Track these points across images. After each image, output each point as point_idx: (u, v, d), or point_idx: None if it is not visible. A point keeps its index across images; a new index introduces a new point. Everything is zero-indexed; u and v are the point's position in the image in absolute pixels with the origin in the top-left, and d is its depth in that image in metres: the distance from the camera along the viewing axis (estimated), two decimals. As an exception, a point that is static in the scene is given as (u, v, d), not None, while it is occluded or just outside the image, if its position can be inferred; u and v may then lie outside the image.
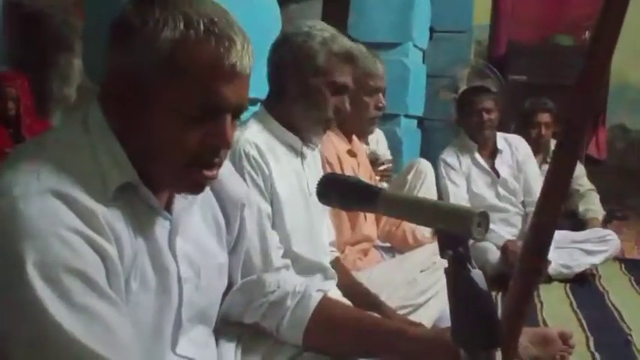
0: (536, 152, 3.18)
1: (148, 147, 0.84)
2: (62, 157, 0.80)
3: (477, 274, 0.67)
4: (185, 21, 0.80)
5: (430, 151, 4.24)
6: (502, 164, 3.08)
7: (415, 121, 4.00)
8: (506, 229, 2.83)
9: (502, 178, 3.06)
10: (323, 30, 1.52)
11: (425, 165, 2.82)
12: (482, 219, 0.68)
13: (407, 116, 3.78)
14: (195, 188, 0.88)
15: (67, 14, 4.31)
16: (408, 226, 2.30)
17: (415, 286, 1.81)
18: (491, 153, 3.09)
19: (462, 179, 3.02)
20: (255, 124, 1.52)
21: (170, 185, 0.89)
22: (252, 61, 0.85)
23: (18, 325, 0.72)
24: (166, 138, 0.82)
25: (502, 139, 3.11)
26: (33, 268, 0.71)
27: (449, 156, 3.06)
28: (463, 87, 4.75)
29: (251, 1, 1.70)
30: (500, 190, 3.06)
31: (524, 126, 3.27)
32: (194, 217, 0.97)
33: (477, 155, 3.06)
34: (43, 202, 0.74)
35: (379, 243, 2.30)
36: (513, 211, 3.03)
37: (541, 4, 5.50)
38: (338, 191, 0.75)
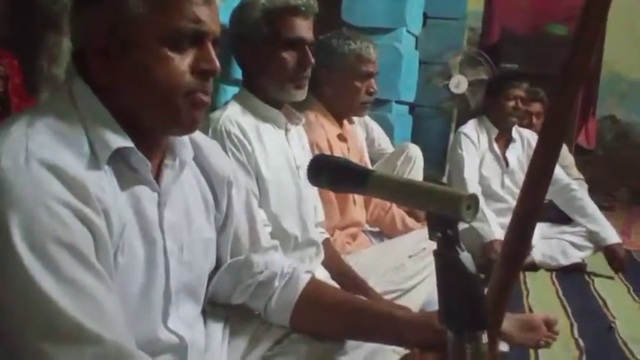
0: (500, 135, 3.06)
1: (142, 91, 0.85)
2: (51, 127, 0.81)
3: (466, 257, 0.67)
4: None
5: (421, 138, 4.24)
6: (512, 155, 3.08)
7: (407, 107, 4.00)
8: (500, 220, 2.83)
9: (510, 169, 3.06)
10: None
11: (414, 150, 2.82)
12: (471, 202, 0.68)
13: (398, 102, 3.77)
14: (193, 118, 0.89)
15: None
16: (397, 212, 2.31)
17: (403, 271, 1.82)
18: (506, 142, 3.08)
19: (476, 156, 3.00)
20: (236, 104, 1.52)
21: (168, 123, 0.89)
22: None
23: (4, 292, 0.73)
24: (158, 73, 0.84)
25: (515, 130, 3.10)
26: (20, 238, 0.72)
27: (470, 130, 3.03)
28: (455, 74, 4.77)
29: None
30: (507, 179, 3.06)
31: (493, 98, 3.01)
32: (182, 189, 0.97)
33: (494, 141, 3.04)
34: (31, 172, 0.75)
35: (368, 228, 2.31)
36: (512, 203, 3.03)
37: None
38: (328, 172, 0.75)
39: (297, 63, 1.49)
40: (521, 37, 5.38)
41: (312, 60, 1.51)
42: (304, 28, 1.50)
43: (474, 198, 0.68)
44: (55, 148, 0.78)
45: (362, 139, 2.70)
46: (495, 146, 3.06)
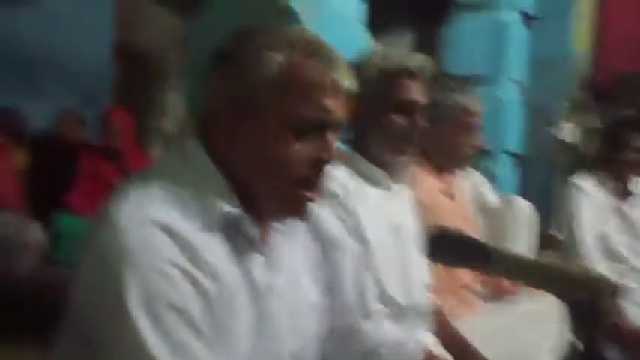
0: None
1: (255, 169, 0.86)
2: (164, 187, 0.83)
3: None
4: (288, 44, 0.86)
5: (527, 190, 4.03)
6: (633, 210, 2.80)
7: (512, 158, 3.82)
8: (620, 282, 2.57)
9: (631, 225, 2.80)
10: (373, 54, 1.47)
11: (523, 205, 2.66)
12: (615, 290, 0.59)
13: (504, 152, 3.61)
14: (299, 211, 0.89)
15: (166, 51, 4.55)
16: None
17: (521, 338, 1.67)
18: (625, 195, 2.82)
19: (592, 211, 2.73)
20: (342, 164, 1.48)
21: (276, 208, 0.89)
22: (353, 83, 0.89)
23: (116, 353, 0.76)
24: (276, 154, 0.84)
25: (635, 183, 2.83)
26: (134, 299, 0.74)
27: (584, 183, 2.76)
28: (564, 121, 4.53)
29: (347, 37, 1.68)
30: (628, 237, 2.79)
31: (610, 149, 2.78)
32: (291, 254, 0.96)
33: (612, 195, 2.79)
34: (145, 233, 0.77)
35: (477, 288, 2.17)
36: (634, 263, 2.76)
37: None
38: (446, 247, 0.68)
39: (407, 127, 1.45)
40: (634, 78, 5.04)
41: (423, 125, 1.47)
42: (417, 91, 1.46)
43: (617, 287, 0.59)
44: (169, 210, 0.80)
45: (466, 192, 2.58)
46: (613, 200, 2.80)
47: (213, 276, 0.80)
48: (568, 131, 4.48)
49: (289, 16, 1.47)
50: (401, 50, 1.50)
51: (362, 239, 1.42)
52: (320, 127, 0.86)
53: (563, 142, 4.54)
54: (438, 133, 1.91)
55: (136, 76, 4.42)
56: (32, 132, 3.73)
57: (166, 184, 0.83)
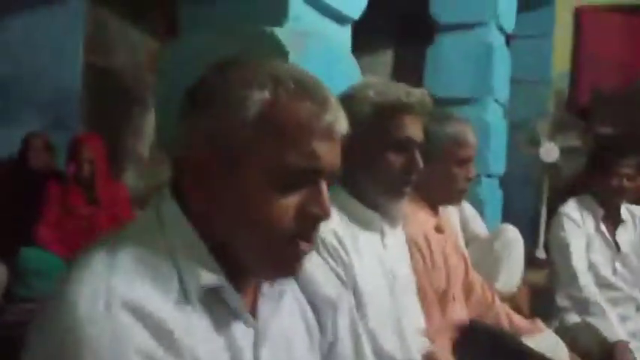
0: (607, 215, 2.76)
1: (237, 227, 0.73)
2: (135, 257, 0.70)
3: None
4: (273, 80, 0.74)
5: (509, 210, 3.97)
6: (623, 237, 2.71)
7: (497, 181, 3.75)
8: (615, 310, 2.49)
9: (623, 253, 2.71)
10: (367, 87, 1.35)
11: (513, 234, 2.59)
12: None
13: (489, 176, 3.54)
14: (293, 268, 0.77)
15: (142, 72, 4.41)
16: (501, 307, 2.07)
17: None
18: (614, 223, 2.73)
19: (583, 240, 2.64)
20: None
21: (264, 269, 0.77)
22: (347, 125, 0.77)
23: None
24: (259, 211, 0.73)
25: (624, 208, 2.76)
26: None
27: (573, 211, 2.68)
28: (544, 140, 4.49)
29: (335, 63, 1.57)
30: (618, 265, 2.71)
31: (596, 174, 2.70)
32: (282, 321, 0.84)
33: (601, 222, 2.71)
34: (112, 320, 0.64)
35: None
36: (626, 291, 2.69)
37: (625, 47, 5.18)
38: (477, 348, 0.56)
39: (403, 166, 1.34)
40: (611, 97, 5.05)
41: (421, 164, 1.36)
42: (415, 128, 1.35)
43: None
44: (140, 286, 0.68)
45: (456, 223, 2.50)
46: (603, 228, 2.72)
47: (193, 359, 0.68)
48: (549, 151, 4.45)
49: (273, 45, 1.35)
50: (396, 83, 1.38)
51: (353, 287, 1.31)
52: (310, 177, 0.74)
53: (544, 161, 4.50)
54: (430, 167, 1.80)
55: (108, 99, 4.27)
56: (-3, 159, 3.56)
57: (138, 253, 0.71)
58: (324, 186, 0.76)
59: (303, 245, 0.75)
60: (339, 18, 1.66)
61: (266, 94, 0.73)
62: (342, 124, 0.77)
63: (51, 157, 3.54)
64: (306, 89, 0.75)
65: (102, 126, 3.96)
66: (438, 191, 1.83)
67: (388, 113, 1.32)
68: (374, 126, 1.32)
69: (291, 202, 0.73)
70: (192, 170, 0.74)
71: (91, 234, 2.99)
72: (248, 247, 0.74)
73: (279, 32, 1.40)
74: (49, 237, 3.05)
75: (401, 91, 1.34)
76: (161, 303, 0.68)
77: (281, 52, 1.35)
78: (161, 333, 0.66)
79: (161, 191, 0.79)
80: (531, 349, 0.53)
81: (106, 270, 0.68)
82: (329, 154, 0.75)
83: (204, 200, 0.74)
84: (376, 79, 1.39)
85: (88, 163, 3.17)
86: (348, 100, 1.36)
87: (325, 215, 0.75)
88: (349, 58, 1.65)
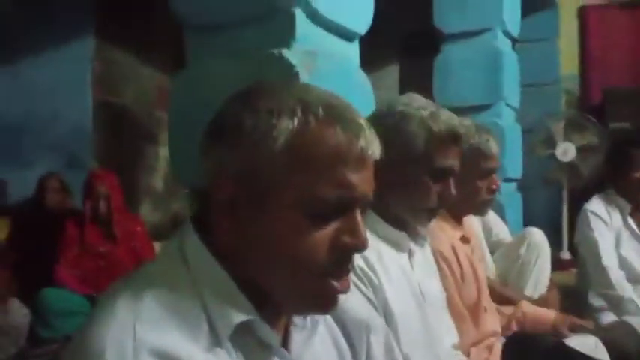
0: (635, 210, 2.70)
1: (268, 264, 0.69)
2: (161, 300, 0.66)
3: None
4: (302, 107, 0.69)
5: (532, 214, 3.91)
6: None
7: (514, 185, 3.70)
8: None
9: None
10: (420, 108, 1.32)
11: (538, 236, 2.53)
12: None
13: (506, 180, 3.49)
14: (328, 305, 0.73)
15: (152, 107, 4.44)
16: (531, 315, 2.02)
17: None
18: (638, 215, 2.68)
19: (611, 235, 2.59)
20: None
21: (297, 306, 0.74)
22: (379, 149, 0.72)
23: None
24: (292, 246, 0.69)
25: None
26: None
27: (598, 208, 2.64)
28: (560, 141, 4.44)
29: (346, 80, 1.55)
30: None
31: (618, 169, 2.66)
32: (315, 350, 0.80)
33: (628, 217, 2.65)
34: None
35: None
36: None
37: (632, 45, 5.13)
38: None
39: (438, 194, 1.32)
40: (625, 93, 4.99)
41: (454, 192, 1.34)
42: (457, 159, 1.34)
43: None
44: (168, 329, 0.64)
45: (479, 231, 2.45)
46: (631, 222, 2.67)
47: None
48: (566, 150, 4.39)
49: (283, 67, 1.33)
50: (445, 111, 1.36)
51: (384, 312, 1.27)
52: (344, 206, 0.70)
53: (561, 162, 4.44)
54: (455, 181, 1.77)
55: (120, 136, 4.30)
56: (14, 201, 3.57)
57: (163, 295, 0.67)
58: (358, 215, 0.72)
59: (340, 284, 0.72)
60: (345, 34, 1.65)
61: (295, 123, 0.69)
62: (375, 149, 0.72)
63: (66, 197, 3.56)
64: (337, 114, 0.70)
65: (115, 163, 3.98)
66: (462, 204, 1.79)
67: (439, 141, 1.30)
68: (421, 151, 1.30)
69: (325, 234, 0.69)
70: (219, 205, 0.70)
71: (110, 270, 2.98)
72: (280, 284, 0.71)
73: (288, 54, 1.38)
74: (69, 276, 3.04)
75: (454, 120, 1.32)
76: (191, 349, 0.64)
77: (291, 73, 1.34)
78: None
79: (183, 227, 0.75)
80: (581, 354, 0.48)
81: (132, 315, 0.65)
82: (363, 182, 0.71)
83: (232, 236, 0.70)
84: (426, 102, 1.35)
85: (104, 200, 3.17)
86: (400, 118, 1.31)
87: (362, 245, 0.71)
88: (360, 73, 1.63)
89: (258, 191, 0.69)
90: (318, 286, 0.70)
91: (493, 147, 1.80)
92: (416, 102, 1.36)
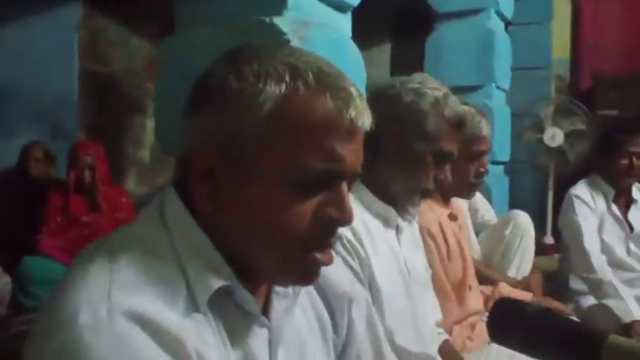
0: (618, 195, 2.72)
1: (251, 233, 0.67)
2: (138, 261, 0.64)
3: None
4: (291, 72, 0.66)
5: (518, 198, 3.93)
6: (636, 217, 2.68)
7: (502, 168, 3.71)
8: (631, 292, 2.45)
9: (635, 233, 2.66)
10: (434, 89, 1.33)
11: (524, 219, 2.54)
12: None
13: (494, 163, 3.49)
14: (308, 277, 0.71)
15: (139, 77, 4.37)
16: (520, 295, 2.03)
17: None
18: (626, 202, 2.69)
19: (595, 220, 2.61)
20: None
21: (277, 277, 0.72)
22: (370, 120, 0.69)
23: None
24: (274, 216, 0.66)
25: (636, 188, 2.72)
26: None
27: (583, 192, 2.65)
28: (549, 126, 4.45)
29: (338, 51, 1.53)
30: (632, 246, 2.67)
31: (605, 155, 2.68)
32: (296, 319, 0.79)
33: (613, 203, 2.66)
34: (116, 331, 0.58)
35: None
36: None
37: (625, 32, 5.13)
38: (523, 332, 0.51)
39: (435, 176, 1.33)
40: (616, 80, 5.00)
41: (450, 178, 1.35)
42: (457, 145, 1.35)
43: None
44: (144, 292, 0.62)
45: (465, 210, 2.45)
46: (614, 208, 2.68)
47: None
48: (554, 135, 4.40)
49: (274, 34, 1.30)
50: (453, 96, 1.36)
51: (370, 285, 1.27)
52: (330, 179, 0.68)
53: (548, 146, 4.46)
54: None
55: (106, 106, 4.23)
56: (-3, 170, 3.52)
57: (141, 257, 0.64)
58: (345, 188, 0.69)
59: (322, 256, 0.70)
60: (338, 5, 1.62)
61: (283, 88, 0.65)
62: (365, 119, 0.69)
63: (50, 167, 3.50)
64: (327, 82, 0.67)
65: (101, 133, 3.92)
66: (451, 186, 1.78)
67: (448, 125, 1.31)
68: (430, 130, 1.30)
69: (308, 206, 0.67)
70: (200, 171, 0.68)
71: (94, 240, 2.94)
72: (260, 255, 0.69)
73: (279, 21, 1.36)
74: (52, 245, 3.01)
75: (464, 107, 1.35)
76: (168, 313, 0.62)
77: (282, 41, 1.31)
78: (169, 341, 0.60)
79: (164, 191, 0.73)
80: (609, 334, 0.46)
81: (107, 277, 0.62)
82: (351, 154, 0.68)
83: (212, 203, 0.68)
84: (437, 84, 1.35)
85: (88, 170, 3.13)
86: (414, 94, 1.31)
87: (347, 220, 0.69)
88: (351, 45, 1.61)
89: (242, 158, 0.66)
90: (299, 258, 0.69)
91: (485, 129, 1.80)
92: (431, 82, 1.36)
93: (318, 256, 0.69)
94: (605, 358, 0.46)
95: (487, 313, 2.00)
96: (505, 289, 2.06)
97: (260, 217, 0.66)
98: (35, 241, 3.03)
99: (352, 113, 0.67)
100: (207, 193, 0.68)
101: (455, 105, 1.32)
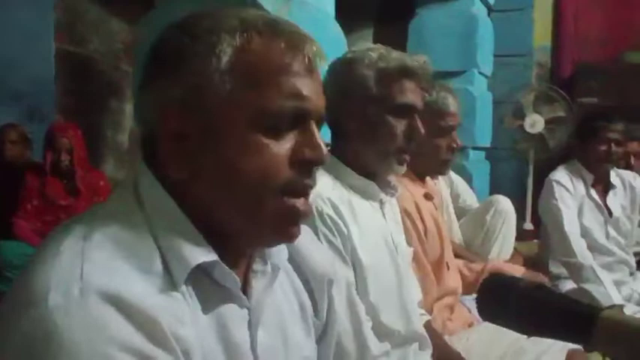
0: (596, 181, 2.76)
1: (224, 189, 0.66)
2: (112, 238, 0.62)
3: None
4: (242, 24, 0.68)
5: (499, 184, 3.96)
6: (614, 202, 2.71)
7: (483, 153, 3.73)
8: (609, 277, 2.48)
9: (614, 218, 2.70)
10: (368, 50, 1.31)
11: (505, 204, 2.55)
12: None
13: (475, 148, 3.51)
14: (290, 229, 0.70)
15: (118, 60, 4.29)
16: (511, 269, 2.05)
17: (523, 354, 1.53)
18: (605, 188, 2.73)
19: (574, 205, 2.64)
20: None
21: (256, 234, 0.70)
22: (324, 64, 0.71)
23: None
24: (249, 164, 0.66)
25: (614, 174, 2.75)
26: None
27: (562, 177, 2.67)
28: (529, 113, 4.48)
29: (321, 29, 1.51)
30: (611, 230, 2.70)
31: (584, 141, 2.70)
32: (275, 299, 0.77)
33: (592, 188, 2.70)
34: (89, 312, 0.56)
35: (466, 297, 2.03)
36: (620, 255, 2.68)
37: (606, 20, 5.16)
38: (515, 310, 0.49)
39: (404, 132, 1.29)
40: (597, 69, 5.04)
41: (422, 130, 1.31)
42: (416, 95, 1.31)
43: None
44: (119, 270, 0.60)
45: (447, 195, 2.45)
46: (594, 193, 2.71)
47: (185, 353, 0.61)
48: (534, 122, 4.43)
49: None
50: (397, 50, 1.33)
51: (353, 260, 1.25)
52: (298, 119, 0.68)
53: (529, 133, 4.49)
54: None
55: (84, 88, 4.15)
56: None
57: (114, 232, 0.62)
58: (314, 127, 0.70)
59: (299, 202, 0.69)
60: (320, -17, 1.59)
61: (237, 40, 0.66)
62: (320, 59, 0.70)
63: (26, 149, 3.43)
64: (278, 28, 0.68)
65: (79, 116, 3.85)
66: (422, 162, 1.77)
67: (391, 78, 1.28)
68: (374, 89, 1.28)
69: (283, 149, 0.67)
70: (170, 137, 0.66)
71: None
72: (239, 213, 0.67)
73: (260, -3, 1.33)
74: (28, 229, 2.96)
75: (404, 56, 1.30)
76: (143, 291, 0.59)
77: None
78: (144, 322, 0.58)
79: (137, 166, 0.71)
80: (603, 310, 0.44)
81: (79, 255, 0.59)
82: (313, 93, 0.69)
83: (184, 169, 0.66)
84: (376, 45, 1.33)
85: (66, 153, 3.07)
86: (349, 63, 1.30)
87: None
88: (333, 23, 1.58)
89: (208, 114, 0.66)
90: (278, 206, 0.67)
91: (451, 104, 1.79)
92: (364, 46, 1.35)
93: (297, 204, 0.68)
94: (599, 332, 0.45)
95: (467, 295, 2.02)
96: (496, 264, 2.08)
97: (236, 168, 0.66)
98: (10, 224, 2.97)
99: (308, 52, 0.68)
100: (180, 157, 0.66)
101: (396, 57, 1.29)
